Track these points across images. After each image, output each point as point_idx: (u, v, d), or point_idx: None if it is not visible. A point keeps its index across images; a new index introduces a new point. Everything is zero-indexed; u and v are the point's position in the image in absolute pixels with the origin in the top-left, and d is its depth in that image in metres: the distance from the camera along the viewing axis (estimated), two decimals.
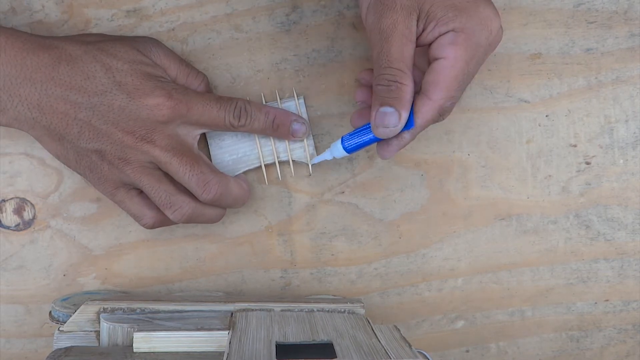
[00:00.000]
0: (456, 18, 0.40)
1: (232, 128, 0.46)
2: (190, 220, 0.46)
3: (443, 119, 0.44)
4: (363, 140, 0.44)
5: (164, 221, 0.46)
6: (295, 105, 0.49)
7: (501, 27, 0.42)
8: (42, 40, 0.43)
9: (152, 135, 0.44)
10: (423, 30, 0.41)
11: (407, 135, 0.43)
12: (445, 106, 0.42)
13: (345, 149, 0.45)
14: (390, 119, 0.41)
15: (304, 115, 0.49)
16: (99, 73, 0.43)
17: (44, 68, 0.42)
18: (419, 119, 0.42)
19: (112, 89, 0.43)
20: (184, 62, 0.48)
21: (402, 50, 0.41)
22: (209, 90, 0.48)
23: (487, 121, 0.51)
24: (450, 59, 0.40)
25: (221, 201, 0.46)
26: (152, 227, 0.46)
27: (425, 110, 0.41)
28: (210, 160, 0.49)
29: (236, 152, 0.49)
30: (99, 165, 0.44)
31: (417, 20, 0.41)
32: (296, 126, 0.48)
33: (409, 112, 0.41)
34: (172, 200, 0.44)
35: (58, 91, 0.42)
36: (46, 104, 0.43)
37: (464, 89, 0.43)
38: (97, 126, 0.43)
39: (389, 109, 0.41)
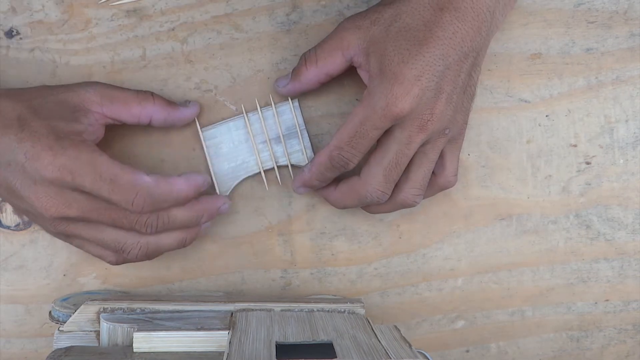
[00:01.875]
0: (375, 78, 0.43)
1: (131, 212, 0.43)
2: (150, 255, 0.45)
3: (372, 205, 0.47)
4: None
5: (125, 258, 0.45)
6: (290, 109, 0.49)
7: (410, 112, 0.42)
8: None
9: (56, 200, 0.41)
10: (360, 66, 0.45)
11: (306, 169, 0.47)
12: (333, 154, 0.44)
13: None
14: (282, 80, 0.48)
15: (299, 118, 0.49)
16: (12, 130, 0.41)
17: None
18: (315, 158, 0.46)
19: (15, 147, 0.41)
20: (123, 93, 0.45)
21: (329, 51, 0.45)
22: (163, 103, 0.46)
23: (487, 121, 0.51)
24: (351, 114, 0.43)
25: (170, 227, 0.44)
26: (117, 264, 0.45)
27: (321, 153, 0.46)
28: (210, 167, 0.49)
29: (235, 159, 0.49)
30: (39, 223, 0.44)
31: (362, 53, 0.44)
32: (224, 208, 0.47)
33: (295, 86, 0.47)
34: (120, 245, 0.43)
35: None
36: None
37: (358, 147, 0.44)
38: (15, 187, 0.42)
39: (290, 73, 0.47)
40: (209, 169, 0.49)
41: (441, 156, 0.46)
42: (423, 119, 0.42)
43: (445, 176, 0.47)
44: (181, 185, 0.43)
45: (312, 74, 0.46)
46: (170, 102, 0.47)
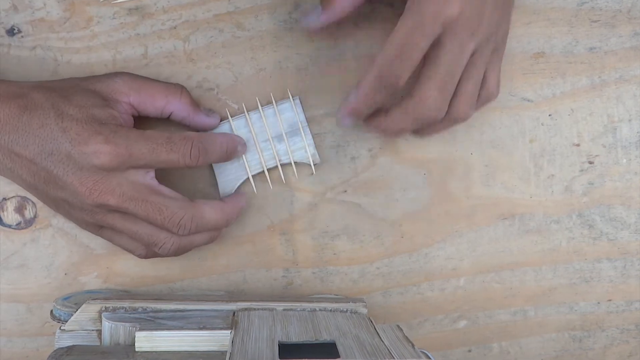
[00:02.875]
0: None
1: (187, 167, 0.44)
2: (180, 252, 0.45)
3: (417, 129, 0.45)
4: None
5: (155, 253, 0.45)
6: (291, 106, 0.49)
7: (459, 16, 0.39)
8: (13, 89, 0.43)
9: (101, 186, 0.42)
10: None
11: (352, 97, 0.43)
12: (382, 71, 0.41)
13: None
14: (311, 15, 0.45)
15: (301, 116, 0.49)
16: (51, 119, 0.42)
17: (12, 118, 0.42)
18: (361, 81, 0.42)
19: (58, 135, 0.41)
20: (150, 85, 0.46)
21: None
22: (189, 103, 0.47)
23: (490, 120, 0.51)
24: (397, 26, 0.40)
25: (202, 229, 0.45)
26: (146, 257, 0.46)
27: (367, 73, 0.42)
28: (212, 169, 0.49)
29: (237, 159, 0.49)
30: (73, 213, 0.44)
31: None
32: (240, 149, 0.48)
33: (330, 15, 0.44)
34: (153, 239, 0.44)
35: (21, 140, 0.42)
36: (15, 154, 0.42)
37: (408, 60, 0.40)
38: (57, 175, 0.42)
39: (318, 6, 0.45)
40: (212, 170, 0.49)
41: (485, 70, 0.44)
42: (473, 25, 0.40)
43: (487, 88, 0.44)
44: (226, 215, 0.46)
45: None
46: (195, 104, 0.47)
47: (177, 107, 0.46)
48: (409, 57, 0.40)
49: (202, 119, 0.48)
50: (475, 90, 0.43)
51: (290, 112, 0.49)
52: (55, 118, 0.42)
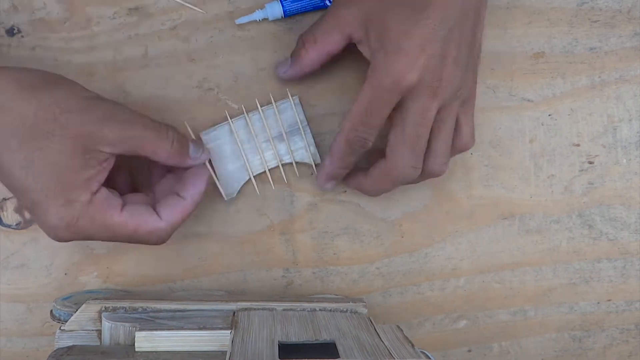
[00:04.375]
0: (377, 53, 0.42)
1: None
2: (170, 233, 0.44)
3: (394, 182, 0.45)
4: (303, 5, 0.48)
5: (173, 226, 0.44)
6: (291, 105, 0.49)
7: (418, 82, 0.41)
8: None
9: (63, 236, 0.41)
10: (360, 42, 0.44)
11: (327, 162, 0.46)
12: (350, 137, 0.44)
13: (285, 11, 0.48)
14: (282, 66, 0.47)
15: (301, 115, 0.49)
16: (16, 166, 0.40)
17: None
18: (332, 147, 0.45)
19: (21, 187, 0.40)
20: (140, 135, 0.42)
21: (327, 30, 0.44)
22: (177, 152, 0.44)
23: (490, 120, 0.51)
24: (360, 93, 0.43)
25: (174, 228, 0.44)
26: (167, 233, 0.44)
27: (337, 140, 0.45)
28: (214, 173, 0.49)
29: (238, 160, 0.49)
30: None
31: (360, 28, 0.43)
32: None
33: (296, 69, 0.46)
34: (137, 238, 0.43)
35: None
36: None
37: (372, 125, 0.43)
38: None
39: (289, 58, 0.47)
40: (213, 172, 0.49)
41: (457, 118, 0.45)
42: (433, 86, 0.41)
43: (461, 138, 0.46)
44: (189, 208, 0.44)
45: (313, 56, 0.45)
46: (184, 153, 0.44)
47: (163, 158, 0.43)
48: (372, 123, 0.43)
49: (186, 164, 0.45)
50: (446, 146, 0.45)
51: (290, 112, 0.49)
52: (20, 168, 0.39)
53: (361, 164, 0.47)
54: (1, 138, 0.39)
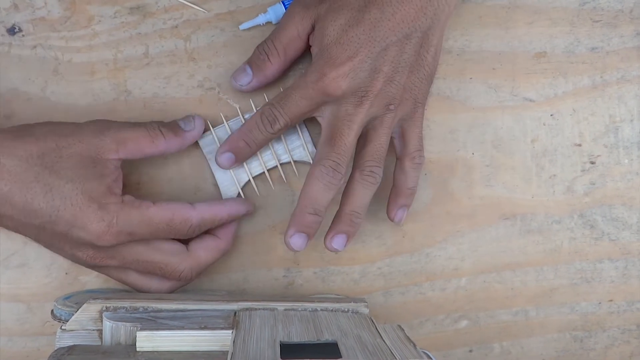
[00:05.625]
0: (315, 53, 0.44)
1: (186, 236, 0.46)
2: (200, 271, 0.47)
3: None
4: None
5: (175, 285, 0.48)
6: None
7: (344, 92, 0.43)
8: None
9: (101, 255, 0.44)
10: (311, 43, 0.45)
11: (235, 132, 0.47)
12: (264, 109, 0.46)
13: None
14: (242, 77, 0.47)
15: None
16: (39, 197, 0.41)
17: None
18: (249, 119, 0.47)
19: (51, 215, 0.41)
20: (134, 134, 0.44)
21: (286, 35, 0.45)
22: (173, 136, 0.46)
23: (492, 120, 0.51)
24: (292, 82, 0.45)
25: (202, 270, 0.47)
26: (170, 291, 0.48)
27: (255, 113, 0.47)
28: (214, 177, 0.49)
29: None
30: (84, 263, 0.46)
31: (313, 23, 0.45)
32: (246, 209, 0.49)
33: (260, 80, 0.47)
34: (167, 271, 0.46)
35: (6, 212, 0.42)
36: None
37: (287, 111, 0.45)
38: (52, 243, 0.44)
39: (247, 68, 0.47)
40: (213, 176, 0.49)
41: (402, 135, 0.47)
42: (358, 96, 0.43)
43: (408, 153, 0.47)
44: (223, 214, 0.47)
45: (278, 66, 0.47)
46: (178, 131, 0.46)
47: (165, 147, 0.45)
48: (287, 106, 0.45)
49: (187, 140, 0.47)
50: (379, 151, 0.45)
51: None
52: (44, 195, 0.41)
53: None
54: (16, 181, 0.41)
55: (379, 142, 0.45)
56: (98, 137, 0.43)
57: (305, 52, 0.47)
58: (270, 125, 0.45)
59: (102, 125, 0.44)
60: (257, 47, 0.47)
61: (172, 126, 0.46)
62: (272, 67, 0.46)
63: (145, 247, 0.45)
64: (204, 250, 0.47)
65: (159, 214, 0.44)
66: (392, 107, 0.44)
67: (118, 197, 0.43)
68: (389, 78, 0.43)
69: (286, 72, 0.48)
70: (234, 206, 0.47)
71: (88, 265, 0.45)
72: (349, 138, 0.44)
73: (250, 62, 0.47)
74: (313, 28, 0.45)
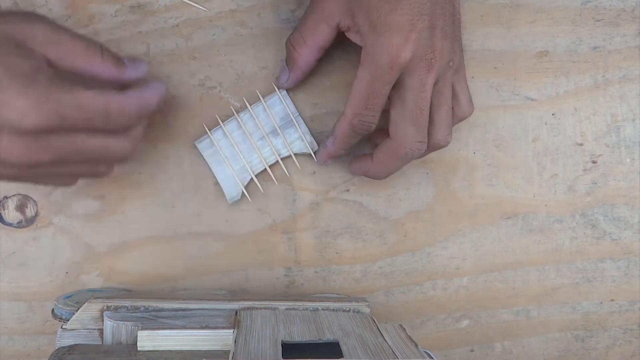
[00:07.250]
0: (369, 35, 0.41)
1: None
2: (132, 151, 0.42)
3: (405, 159, 0.45)
4: None
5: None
6: (279, 99, 0.49)
7: (413, 57, 0.41)
8: None
9: (34, 155, 0.38)
10: (349, 29, 0.44)
11: (329, 142, 0.46)
12: (353, 122, 0.43)
13: None
14: (282, 75, 0.48)
15: (291, 107, 0.49)
16: None
17: None
18: (335, 130, 0.45)
19: None
20: (71, 41, 0.40)
21: (314, 25, 0.44)
22: (112, 63, 0.41)
23: (494, 119, 0.51)
24: (357, 78, 0.42)
25: (141, 137, 0.43)
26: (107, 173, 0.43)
27: (340, 124, 0.45)
28: (216, 178, 0.49)
29: (237, 162, 0.49)
30: (13, 164, 0.39)
31: (346, 15, 0.43)
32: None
33: (297, 74, 0.47)
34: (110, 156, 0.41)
35: None
36: None
37: (375, 107, 0.43)
38: None
39: (283, 64, 0.48)
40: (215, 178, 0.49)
41: (453, 91, 0.45)
42: (427, 59, 0.41)
43: (461, 107, 0.46)
44: (152, 98, 0.42)
45: (306, 55, 0.46)
46: (118, 63, 0.42)
47: (99, 69, 0.41)
48: (375, 105, 0.43)
49: (124, 75, 0.42)
50: (448, 116, 0.44)
51: (279, 106, 0.49)
52: None
53: (361, 150, 0.47)
54: None
55: (447, 107, 0.44)
56: (29, 22, 0.38)
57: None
58: (367, 130, 0.44)
59: (42, 18, 0.39)
60: (286, 41, 0.46)
61: (115, 55, 0.42)
62: (301, 57, 0.46)
63: (82, 135, 0.39)
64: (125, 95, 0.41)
65: (93, 99, 0.38)
66: (451, 62, 0.43)
67: (48, 74, 0.37)
68: (443, 32, 0.42)
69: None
70: (159, 88, 0.43)
71: (18, 175, 0.39)
72: (427, 111, 0.43)
73: (285, 59, 0.47)
74: (342, 14, 0.43)
